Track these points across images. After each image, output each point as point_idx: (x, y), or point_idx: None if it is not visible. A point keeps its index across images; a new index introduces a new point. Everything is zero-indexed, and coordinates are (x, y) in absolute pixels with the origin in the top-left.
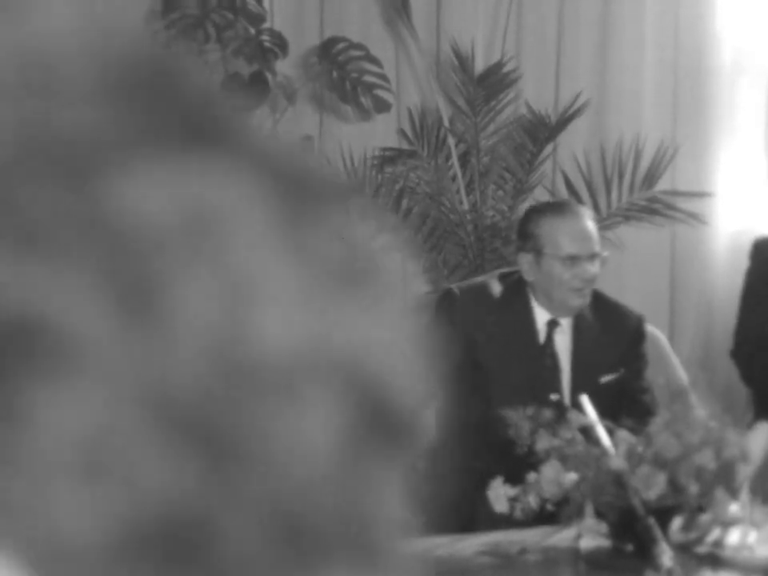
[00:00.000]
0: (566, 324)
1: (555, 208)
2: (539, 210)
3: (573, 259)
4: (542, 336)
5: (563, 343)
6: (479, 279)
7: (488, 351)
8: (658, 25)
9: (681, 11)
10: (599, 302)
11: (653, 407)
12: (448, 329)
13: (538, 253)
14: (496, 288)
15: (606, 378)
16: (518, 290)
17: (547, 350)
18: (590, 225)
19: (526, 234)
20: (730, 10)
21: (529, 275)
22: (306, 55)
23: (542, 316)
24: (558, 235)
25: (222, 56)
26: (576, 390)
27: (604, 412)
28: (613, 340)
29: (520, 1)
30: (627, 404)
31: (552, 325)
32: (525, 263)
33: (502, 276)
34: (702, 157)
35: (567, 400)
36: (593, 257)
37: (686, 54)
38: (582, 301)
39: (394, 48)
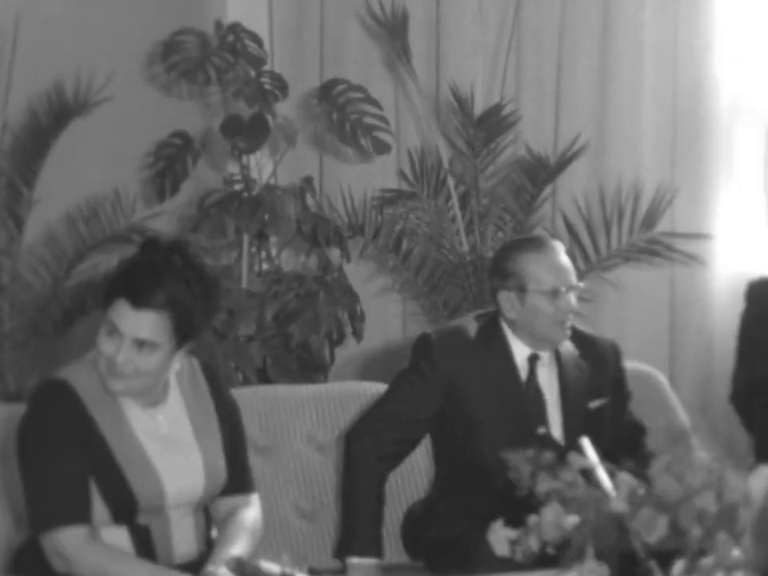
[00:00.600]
0: (545, 357)
1: (531, 244)
2: (514, 248)
3: (555, 293)
4: (523, 372)
5: (545, 376)
6: (455, 322)
7: (470, 391)
8: (656, 68)
9: (678, 55)
10: (574, 332)
11: (641, 439)
12: (428, 372)
13: (521, 290)
14: (472, 329)
15: (594, 404)
16: (493, 329)
17: (530, 384)
18: (566, 258)
19: (504, 273)
20: (728, 54)
21: (510, 313)
22: (306, 97)
23: (521, 352)
24: (538, 271)
25: (223, 98)
26: (567, 419)
27: (597, 438)
28: (594, 368)
29: (519, 44)
30: (622, 433)
31: (533, 360)
32: (506, 301)
33: (477, 317)
34: (701, 199)
35: (559, 430)
36: (572, 288)
37: (684, 98)
38: (566, 333)
39: (394, 90)
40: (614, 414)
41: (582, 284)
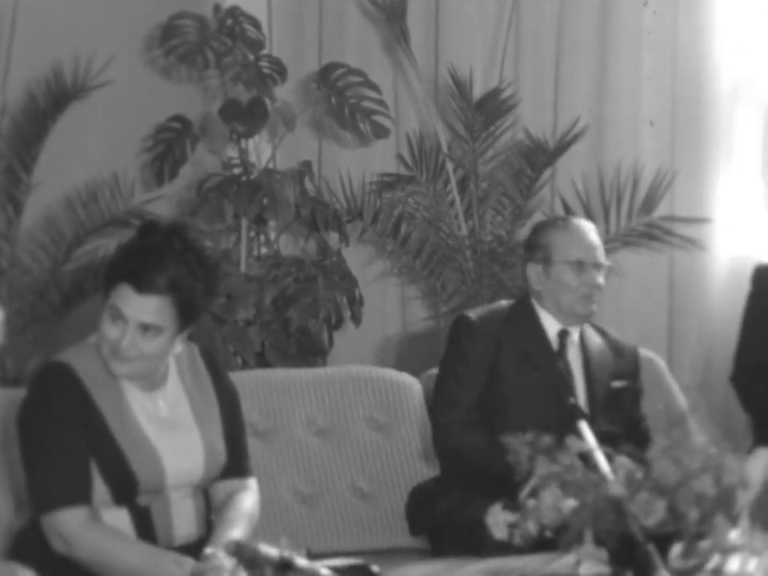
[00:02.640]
0: (575, 336)
1: (563, 220)
2: (547, 223)
3: (580, 265)
4: (554, 344)
5: (574, 353)
6: (486, 305)
7: (505, 361)
8: (656, 52)
9: (679, 39)
10: (598, 328)
11: (650, 434)
12: (471, 350)
13: (547, 261)
14: (504, 308)
15: (617, 384)
16: (525, 307)
17: (561, 356)
18: (596, 237)
19: (534, 246)
20: (728, 38)
21: (537, 285)
22: (305, 81)
23: (552, 326)
24: (566, 243)
25: (222, 82)
26: (591, 395)
27: (615, 416)
28: (616, 356)
29: (518, 27)
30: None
31: (563, 335)
32: (533, 273)
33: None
34: (700, 183)
35: (583, 405)
36: (598, 266)
37: (684, 82)
38: (589, 308)
39: (393, 74)
40: (630, 404)
41: (608, 263)
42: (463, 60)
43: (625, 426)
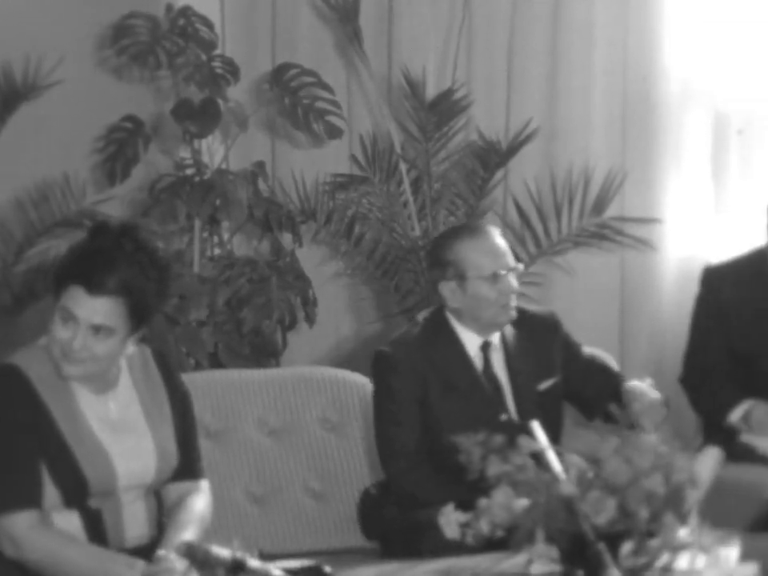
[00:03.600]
0: (496, 341)
1: (465, 231)
2: (449, 237)
3: (495, 276)
4: (477, 361)
5: (499, 361)
6: (400, 330)
7: (431, 390)
8: (606, 53)
9: (629, 40)
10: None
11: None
12: (400, 386)
13: (461, 277)
14: (418, 330)
15: (544, 385)
16: (440, 324)
17: (487, 373)
18: (501, 240)
19: (443, 263)
20: (677, 40)
21: (454, 303)
22: (258, 81)
23: (472, 342)
24: (477, 256)
25: (174, 82)
26: (520, 404)
27: (548, 418)
28: (539, 348)
29: (470, 28)
30: (598, 382)
31: (485, 347)
32: (447, 291)
33: (422, 318)
34: (651, 184)
35: (513, 415)
36: (511, 270)
37: (634, 83)
38: (510, 315)
39: (346, 74)
40: (577, 375)
41: (520, 265)
42: (416, 61)
43: (558, 428)
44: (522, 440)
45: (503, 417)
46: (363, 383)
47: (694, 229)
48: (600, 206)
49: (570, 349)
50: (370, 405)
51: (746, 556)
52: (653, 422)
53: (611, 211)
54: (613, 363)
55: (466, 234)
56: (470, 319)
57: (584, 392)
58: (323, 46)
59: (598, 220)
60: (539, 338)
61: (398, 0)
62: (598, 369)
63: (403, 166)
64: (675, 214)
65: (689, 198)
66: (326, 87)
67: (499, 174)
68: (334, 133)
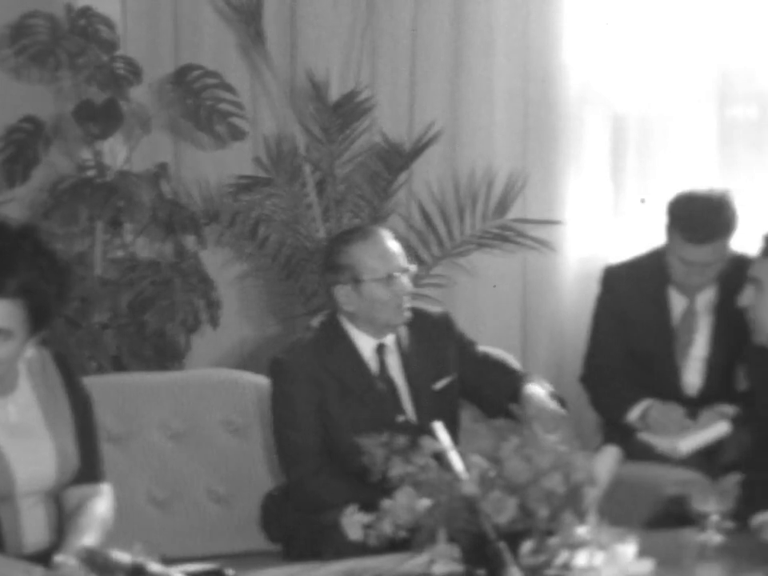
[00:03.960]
0: (390, 343)
1: (358, 235)
2: (342, 241)
3: (389, 278)
4: (372, 364)
5: (394, 363)
6: (294, 337)
7: (328, 395)
8: (507, 55)
9: (529, 42)
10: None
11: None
12: (296, 391)
13: (356, 281)
14: (311, 336)
15: (440, 385)
16: (334, 328)
17: (383, 375)
18: (394, 243)
19: (337, 267)
20: (577, 42)
21: (349, 306)
22: (161, 82)
23: (367, 345)
24: (371, 259)
25: (75, 83)
26: (417, 404)
27: (445, 417)
28: (432, 348)
29: (374, 30)
30: (495, 379)
31: (380, 350)
32: (342, 295)
33: (317, 323)
34: (551, 185)
35: (411, 416)
36: (405, 271)
37: (534, 85)
38: (404, 316)
39: (250, 76)
40: (473, 374)
41: (413, 266)
42: (320, 62)
43: (455, 427)
44: (425, 441)
45: (400, 418)
46: (265, 385)
47: (594, 230)
48: (502, 207)
49: (464, 347)
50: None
51: (643, 552)
52: (547, 431)
53: (513, 213)
54: (512, 361)
55: (359, 238)
56: (365, 322)
57: (481, 390)
58: (226, 47)
59: (500, 222)
60: (433, 338)
61: (301, 1)
62: (494, 366)
63: (307, 168)
64: (575, 216)
65: (588, 200)
66: (228, 88)
67: (403, 176)
68: (237, 134)
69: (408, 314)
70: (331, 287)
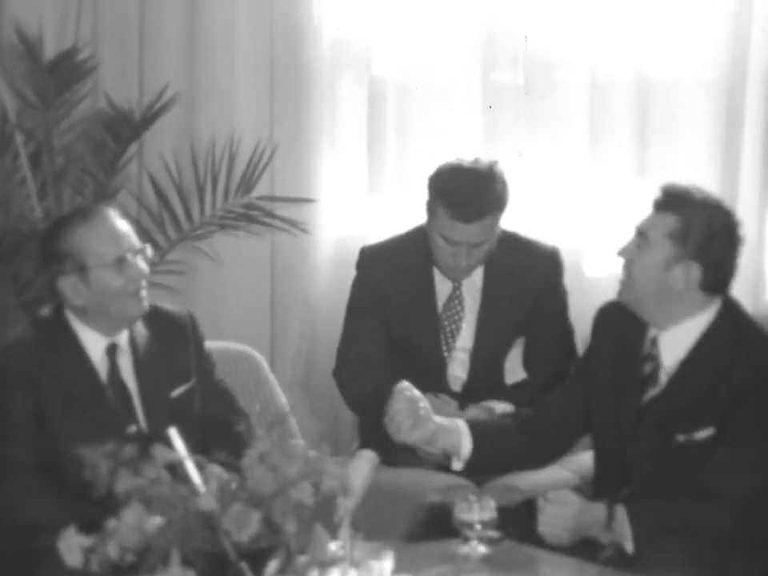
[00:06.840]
0: (124, 343)
1: (79, 217)
2: (61, 226)
3: (120, 262)
4: (102, 367)
5: (127, 366)
6: (14, 334)
7: (52, 410)
8: (250, 11)
9: None
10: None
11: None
12: (7, 405)
13: (82, 269)
14: (32, 334)
15: (177, 392)
16: (58, 326)
17: (114, 380)
18: (122, 222)
19: (58, 255)
20: None
21: (77, 300)
22: None
23: (96, 345)
24: (95, 243)
25: None
26: (150, 410)
27: (182, 428)
28: (172, 349)
29: None
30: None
31: (112, 350)
32: (69, 288)
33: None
34: (302, 159)
35: (144, 425)
36: (138, 252)
37: (282, 45)
38: (143, 305)
39: None
40: (203, 395)
41: (148, 246)
42: (31, 16)
43: (197, 436)
44: (157, 450)
45: (132, 429)
46: None
47: (349, 208)
48: (247, 184)
49: (203, 363)
50: None
51: (400, 568)
52: None
53: (259, 190)
54: (261, 361)
55: (80, 220)
56: (97, 316)
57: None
58: None
59: (245, 200)
60: (172, 340)
61: None
62: (221, 398)
63: (20, 138)
64: (329, 193)
65: (343, 175)
66: None
67: (133, 148)
68: None
69: (146, 304)
70: (54, 279)
